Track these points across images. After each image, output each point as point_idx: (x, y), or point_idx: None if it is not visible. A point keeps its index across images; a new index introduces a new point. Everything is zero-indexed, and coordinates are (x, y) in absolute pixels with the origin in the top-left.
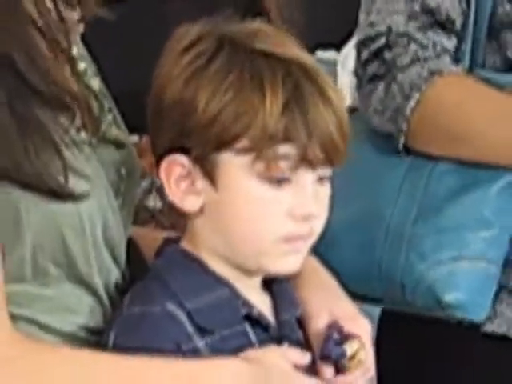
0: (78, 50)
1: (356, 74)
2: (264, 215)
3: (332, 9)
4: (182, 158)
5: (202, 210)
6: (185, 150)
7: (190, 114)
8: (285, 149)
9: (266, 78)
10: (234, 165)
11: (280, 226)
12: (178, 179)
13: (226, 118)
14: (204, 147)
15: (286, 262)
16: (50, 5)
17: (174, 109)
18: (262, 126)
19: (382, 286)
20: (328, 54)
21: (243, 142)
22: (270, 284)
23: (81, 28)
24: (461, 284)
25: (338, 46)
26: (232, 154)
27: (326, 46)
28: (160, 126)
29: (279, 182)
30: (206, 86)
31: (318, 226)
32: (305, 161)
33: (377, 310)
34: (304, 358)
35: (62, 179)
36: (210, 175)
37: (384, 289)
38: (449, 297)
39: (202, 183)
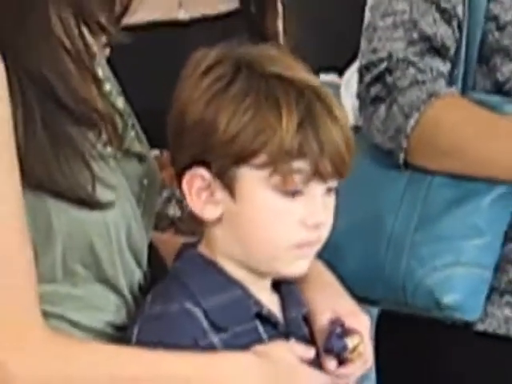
0: (103, 72)
1: (359, 96)
2: (278, 224)
3: (334, 36)
4: (202, 172)
5: (220, 219)
6: (205, 164)
7: (212, 133)
8: (299, 164)
9: (281, 99)
10: (251, 178)
11: (293, 234)
12: (198, 190)
13: (245, 137)
14: (224, 162)
15: (296, 266)
16: (75, 31)
17: (196, 128)
18: (279, 143)
19: (385, 290)
20: (329, 77)
21: (261, 158)
22: (278, 285)
23: (106, 52)
24: (457, 287)
25: (339, 70)
26: (250, 169)
27: (327, 69)
28: (181, 144)
29: (293, 194)
30: (226, 107)
31: (324, 233)
32: (316, 174)
33: (375, 311)
34: (309, 352)
35: (90, 189)
36: (229, 187)
37: (386, 292)
38: (447, 299)
39: (221, 194)
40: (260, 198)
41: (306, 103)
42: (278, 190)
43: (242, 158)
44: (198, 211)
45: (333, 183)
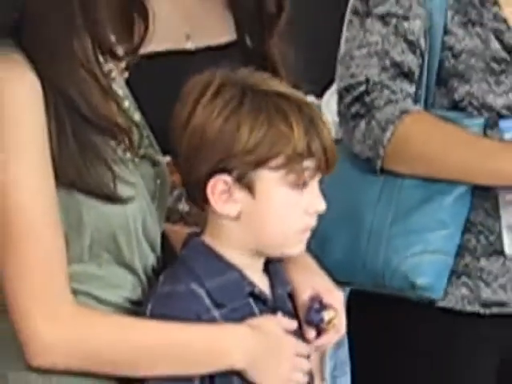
0: (123, 91)
1: (340, 113)
2: (291, 214)
3: (311, 66)
4: (225, 177)
5: (238, 215)
6: (226, 170)
7: (233, 145)
8: (308, 163)
9: (289, 112)
10: (269, 178)
11: (300, 222)
12: (221, 193)
13: (264, 146)
14: (245, 168)
15: (298, 248)
16: (97, 60)
17: (216, 142)
18: (293, 148)
19: (366, 275)
20: (310, 99)
21: (278, 161)
22: (266, 265)
23: (125, 74)
24: (427, 271)
25: (316, 94)
26: (268, 170)
27: (305, 93)
28: (201, 157)
29: (302, 187)
30: (244, 122)
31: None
32: (319, 169)
33: (347, 290)
34: (292, 324)
35: (112, 186)
36: (249, 187)
37: (367, 277)
38: (419, 281)
39: (240, 194)
40: (277, 194)
41: (306, 114)
42: (291, 185)
43: (261, 163)
44: (219, 210)
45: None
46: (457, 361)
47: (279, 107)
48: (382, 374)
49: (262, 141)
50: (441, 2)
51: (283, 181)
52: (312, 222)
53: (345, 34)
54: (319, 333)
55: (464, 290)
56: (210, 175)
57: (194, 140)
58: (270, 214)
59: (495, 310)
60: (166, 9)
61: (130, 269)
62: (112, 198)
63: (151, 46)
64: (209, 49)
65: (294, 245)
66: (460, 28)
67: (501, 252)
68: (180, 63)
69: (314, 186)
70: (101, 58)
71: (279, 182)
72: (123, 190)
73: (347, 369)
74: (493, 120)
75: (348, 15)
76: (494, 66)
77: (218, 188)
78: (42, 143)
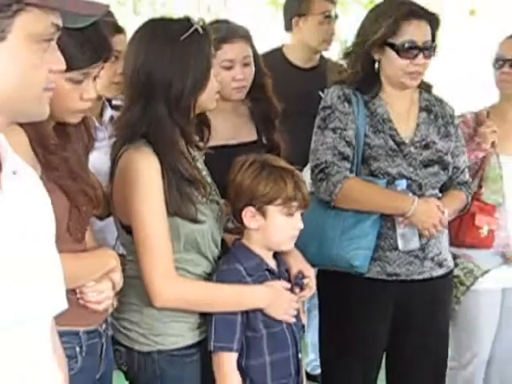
0: (202, 166)
1: (311, 178)
2: (285, 230)
3: (296, 152)
4: (252, 209)
5: (258, 228)
6: (252, 205)
7: (256, 193)
8: (294, 203)
9: (285, 178)
10: (274, 210)
11: (291, 233)
12: (250, 217)
13: (271, 195)
14: (261, 205)
15: (290, 245)
16: (186, 149)
17: (248, 190)
18: (286, 196)
19: (329, 262)
20: (296, 170)
21: (278, 201)
22: (275, 254)
23: (203, 157)
24: (359, 259)
25: (299, 168)
26: (273, 206)
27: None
28: (239, 200)
29: (291, 216)
30: (260, 182)
31: None
32: (300, 207)
33: (316, 269)
34: (287, 285)
35: (195, 215)
36: (263, 214)
37: (329, 263)
38: (355, 263)
39: (259, 217)
40: (278, 219)
41: (295, 178)
42: (286, 214)
43: (270, 202)
44: (248, 225)
45: None
46: (373, 304)
47: (281, 174)
48: (336, 313)
49: (270, 191)
50: (362, 121)
51: (281, 212)
52: (297, 232)
53: (313, 138)
54: (301, 290)
55: (378, 268)
56: (244, 207)
57: (237, 189)
58: (273, 229)
59: (394, 278)
60: (220, 123)
61: (205, 256)
62: (195, 221)
63: (213, 142)
64: (243, 144)
65: (288, 244)
66: (372, 133)
67: (396, 248)
68: (229, 151)
69: (298, 215)
70: (190, 149)
71: (279, 212)
72: (201, 217)
73: (316, 311)
74: (391, 181)
75: (315, 128)
76: (390, 153)
77: (248, 214)
78: (160, 192)
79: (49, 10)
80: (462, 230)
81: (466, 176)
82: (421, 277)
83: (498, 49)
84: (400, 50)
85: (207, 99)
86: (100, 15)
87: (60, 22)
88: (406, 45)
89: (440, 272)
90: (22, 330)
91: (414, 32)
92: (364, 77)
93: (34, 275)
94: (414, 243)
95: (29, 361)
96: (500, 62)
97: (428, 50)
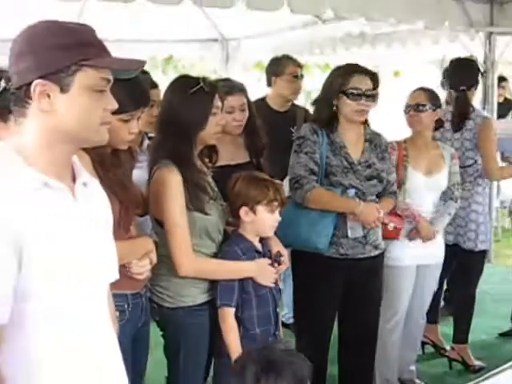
0: (211, 179)
1: (290, 187)
2: (269, 223)
3: (279, 170)
4: (246, 208)
5: (250, 221)
6: (246, 205)
7: (248, 196)
8: (275, 203)
9: (269, 187)
10: (260, 208)
11: (273, 225)
12: (244, 213)
13: (259, 197)
14: (252, 205)
15: (271, 232)
16: (201, 166)
17: (242, 195)
18: (270, 198)
19: (299, 244)
20: (278, 182)
21: (264, 202)
22: (261, 239)
23: (211, 173)
24: (321, 242)
25: (281, 179)
26: (260, 205)
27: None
28: (236, 201)
29: (273, 212)
30: (252, 190)
31: None
32: (279, 206)
33: (290, 249)
34: (269, 261)
35: (205, 210)
36: (254, 211)
37: (300, 245)
38: (319, 246)
39: (250, 213)
40: (263, 214)
41: (274, 184)
42: (269, 211)
43: (258, 203)
44: (244, 219)
45: None
46: (330, 275)
47: (265, 183)
48: (304, 281)
49: (258, 195)
50: (325, 147)
51: (266, 210)
52: (276, 223)
53: (291, 158)
54: (279, 264)
55: (334, 250)
56: (240, 207)
57: (235, 194)
58: (261, 221)
59: (344, 257)
60: (224, 149)
61: (213, 240)
62: (205, 213)
63: (219, 163)
64: (240, 164)
65: (270, 232)
66: (332, 156)
67: (347, 236)
68: (230, 169)
69: (277, 212)
70: (203, 167)
71: (264, 210)
72: (210, 212)
73: (290, 280)
74: (344, 190)
75: (292, 152)
76: (344, 170)
77: (243, 212)
78: (182, 196)
79: (99, 68)
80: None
81: (395, 187)
82: (363, 256)
83: (407, 99)
84: (349, 95)
85: (207, 136)
86: (139, 68)
87: (110, 76)
88: (353, 91)
89: (376, 253)
90: (89, 289)
91: (358, 82)
92: (326, 117)
93: (98, 255)
94: (359, 233)
95: (92, 312)
96: (408, 109)
97: (369, 95)
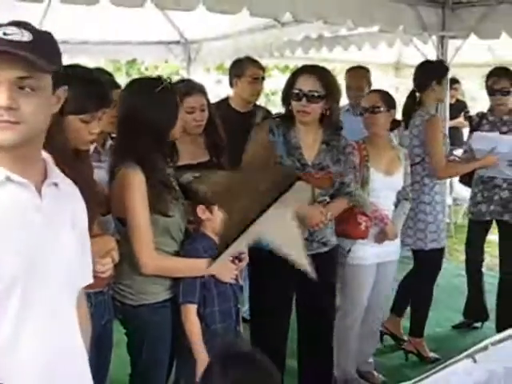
0: (173, 178)
1: None
2: None
3: (235, 165)
4: (203, 207)
5: (207, 219)
6: (203, 204)
7: (204, 197)
8: None
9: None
10: (215, 207)
11: None
12: (202, 211)
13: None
14: (208, 204)
15: None
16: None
17: (199, 196)
18: None
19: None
20: None
21: None
22: None
23: (173, 172)
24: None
25: None
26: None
27: None
28: (195, 201)
29: None
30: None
31: None
32: None
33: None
34: (230, 259)
35: (167, 211)
36: (210, 210)
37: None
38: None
39: (207, 212)
40: (219, 213)
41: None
42: None
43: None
44: (201, 217)
45: None
46: (281, 272)
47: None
48: (259, 278)
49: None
50: (281, 148)
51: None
52: None
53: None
54: (239, 261)
55: None
56: (197, 205)
57: (194, 194)
58: (218, 220)
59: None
60: (185, 149)
61: (174, 239)
62: (168, 216)
63: (180, 162)
64: (200, 163)
65: None
66: (286, 156)
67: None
68: (191, 168)
69: None
70: (166, 168)
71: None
72: (171, 213)
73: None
74: None
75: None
76: (297, 171)
77: (200, 210)
78: (144, 196)
79: None
80: (349, 226)
81: (351, 188)
82: (310, 253)
83: (362, 101)
84: (293, 96)
85: (175, 132)
86: None
87: None
88: (296, 91)
89: (325, 249)
90: (44, 293)
91: (301, 83)
92: (284, 117)
93: (58, 257)
94: (304, 233)
95: (67, 307)
96: (364, 111)
97: (311, 96)
